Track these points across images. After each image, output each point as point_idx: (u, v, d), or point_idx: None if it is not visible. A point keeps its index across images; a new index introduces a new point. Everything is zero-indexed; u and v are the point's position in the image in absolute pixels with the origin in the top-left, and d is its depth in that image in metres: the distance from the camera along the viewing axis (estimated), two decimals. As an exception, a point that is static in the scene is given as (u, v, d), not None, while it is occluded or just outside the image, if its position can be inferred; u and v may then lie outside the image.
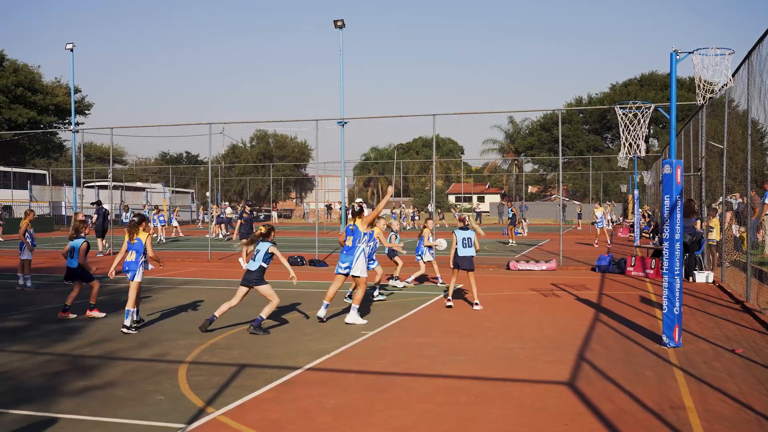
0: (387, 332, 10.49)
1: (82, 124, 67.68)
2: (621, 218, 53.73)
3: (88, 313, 12.18)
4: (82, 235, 12.49)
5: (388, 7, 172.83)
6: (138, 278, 10.89)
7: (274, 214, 65.56)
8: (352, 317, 11.19)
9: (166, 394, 7.14)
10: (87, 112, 69.86)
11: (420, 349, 9.21)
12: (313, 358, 8.67)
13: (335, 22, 22.76)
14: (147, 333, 10.53)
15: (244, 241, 12.21)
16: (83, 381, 7.71)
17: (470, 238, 12.65)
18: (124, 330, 10.57)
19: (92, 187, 52.26)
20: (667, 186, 9.32)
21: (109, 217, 26.64)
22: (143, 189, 60.18)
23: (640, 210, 36.02)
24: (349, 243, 11.42)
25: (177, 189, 66.56)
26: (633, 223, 32.98)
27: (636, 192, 31.30)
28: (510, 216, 30.61)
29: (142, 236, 11.00)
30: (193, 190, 70.38)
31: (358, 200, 11.11)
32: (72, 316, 12.04)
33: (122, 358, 8.85)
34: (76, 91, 65.20)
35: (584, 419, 6.23)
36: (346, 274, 11.38)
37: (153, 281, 17.57)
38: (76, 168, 27.52)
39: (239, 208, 22.07)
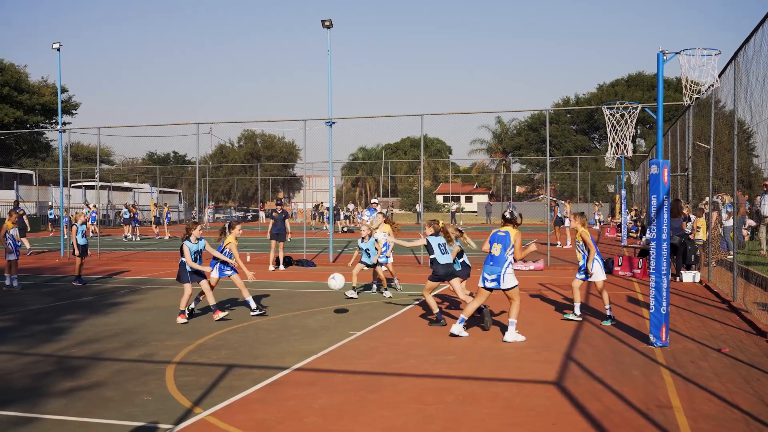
0: (375, 332, 10.49)
1: (69, 123, 67.31)
2: (609, 218, 53.94)
3: (214, 315, 11.58)
4: (190, 236, 11.64)
5: (376, 7, 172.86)
6: (222, 274, 12.05)
7: (262, 214, 65.40)
8: (512, 335, 9.70)
9: (154, 394, 7.11)
10: (74, 111, 69.42)
11: (408, 349, 9.21)
12: (301, 359, 8.66)
13: (323, 22, 22.69)
14: (134, 333, 10.48)
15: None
16: (70, 382, 7.67)
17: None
18: (254, 313, 11.96)
19: (79, 187, 51.97)
20: (654, 186, 9.36)
21: (26, 219, 27.34)
22: (130, 189, 59.87)
23: (629, 211, 36.14)
24: (496, 251, 9.73)
25: (164, 189, 66.25)
26: (620, 222, 33.06)
27: (623, 192, 31.38)
28: (558, 217, 30.03)
29: (226, 240, 12.03)
30: (180, 190, 70.05)
31: (510, 208, 9.64)
32: (222, 314, 11.63)
33: (109, 359, 8.80)
34: (63, 90, 64.83)
35: (572, 418, 6.25)
36: (493, 289, 9.83)
37: (140, 281, 17.51)
38: (62, 168, 27.32)
39: (268, 207, 21.43)
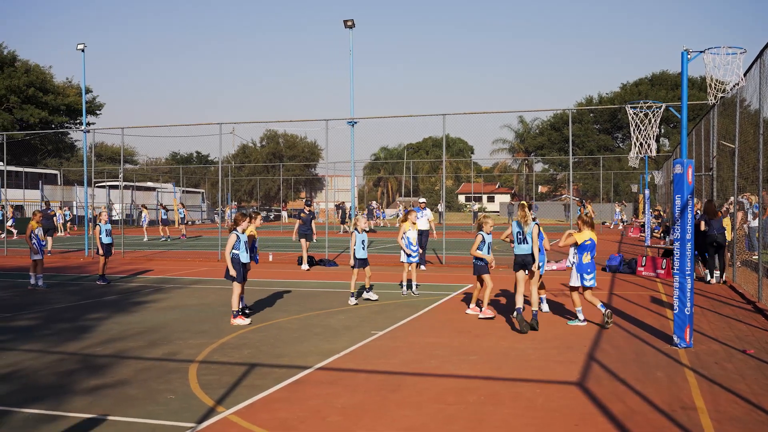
0: (397, 332, 10.49)
1: (93, 124, 68.03)
2: (633, 218, 53.56)
3: (233, 320, 11.25)
4: (237, 227, 11.44)
5: (398, 6, 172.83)
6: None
7: (284, 213, 65.74)
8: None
9: (177, 393, 7.17)
10: (98, 112, 70.22)
11: (430, 349, 9.21)
12: (323, 358, 8.68)
13: (345, 22, 22.73)
14: (158, 332, 10.57)
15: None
16: (95, 380, 7.75)
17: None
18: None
19: (103, 186, 52.51)
20: (678, 186, 9.28)
21: (55, 220, 27.55)
22: (154, 189, 60.40)
23: (652, 211, 35.85)
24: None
25: (187, 189, 66.78)
26: (644, 222, 32.81)
27: (647, 192, 31.18)
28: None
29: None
30: (203, 190, 70.61)
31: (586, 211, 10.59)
32: (246, 321, 11.25)
33: (133, 357, 8.88)
34: (87, 91, 65.54)
35: (595, 419, 6.22)
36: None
37: (164, 281, 17.65)
38: (87, 168, 27.62)
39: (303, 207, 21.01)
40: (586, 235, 10.81)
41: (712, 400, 6.77)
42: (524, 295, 11.05)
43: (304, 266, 20.38)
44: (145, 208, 38.21)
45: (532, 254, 10.93)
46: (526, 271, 11.08)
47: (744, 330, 10.46)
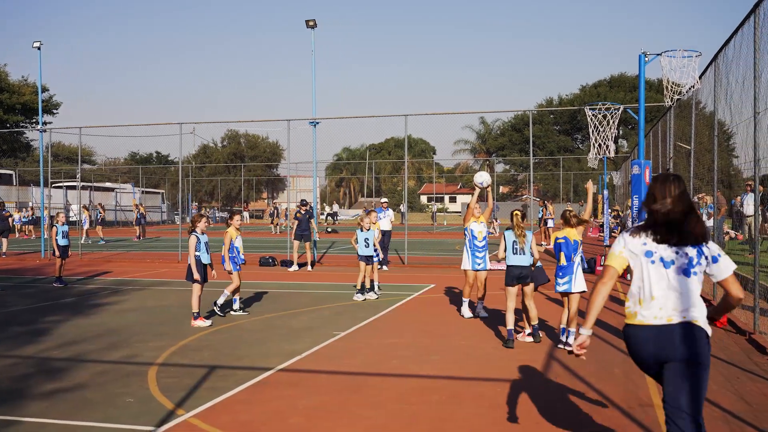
0: (359, 333, 10.48)
1: (50, 123, 66.66)
2: (591, 218, 54.25)
3: (193, 322, 11.04)
4: (195, 228, 11.26)
5: (360, 6, 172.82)
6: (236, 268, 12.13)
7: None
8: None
9: (136, 396, 7.07)
10: (55, 111, 68.87)
11: (393, 350, 9.22)
12: (285, 359, 8.64)
13: (307, 21, 22.64)
14: (116, 334, 10.41)
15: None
16: (51, 384, 7.61)
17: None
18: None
19: (60, 187, 51.53)
20: (636, 186, 9.44)
21: (11, 221, 26.85)
22: (112, 189, 59.48)
23: (611, 211, 36.37)
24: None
25: (147, 189, 65.88)
26: (603, 222, 33.28)
27: (605, 192, 31.57)
28: (540, 217, 30.49)
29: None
30: (163, 191, 69.70)
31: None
32: (207, 322, 11.05)
33: (91, 360, 8.74)
34: (44, 90, 64.23)
35: (555, 417, 6.28)
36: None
37: (122, 282, 17.41)
38: (43, 168, 27.12)
39: (295, 208, 20.40)
40: (565, 233, 9.31)
41: (669, 397, 6.88)
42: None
43: (294, 267, 20.20)
44: (86, 209, 37.17)
45: (529, 266, 9.69)
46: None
47: (700, 328, 10.64)
